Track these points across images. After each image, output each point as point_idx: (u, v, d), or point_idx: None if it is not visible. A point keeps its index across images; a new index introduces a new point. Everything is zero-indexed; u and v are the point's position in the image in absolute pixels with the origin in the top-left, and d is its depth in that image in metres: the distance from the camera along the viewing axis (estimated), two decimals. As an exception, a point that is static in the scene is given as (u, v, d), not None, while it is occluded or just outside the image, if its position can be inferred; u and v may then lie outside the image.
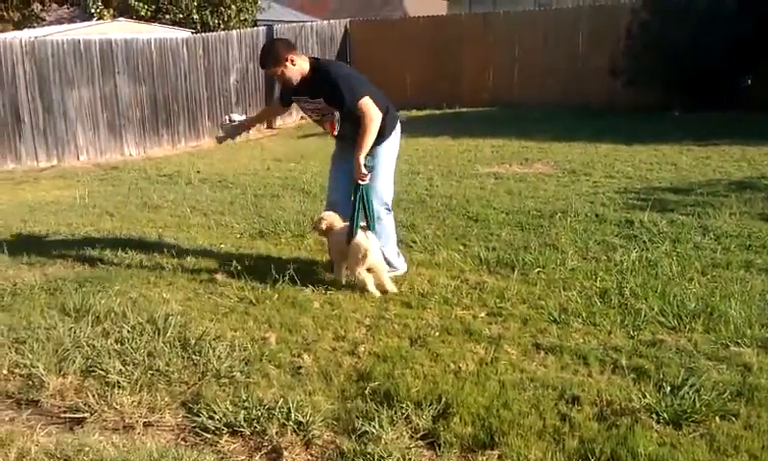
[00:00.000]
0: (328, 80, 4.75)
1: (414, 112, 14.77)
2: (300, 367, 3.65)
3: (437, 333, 4.02)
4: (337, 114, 4.82)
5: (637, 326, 4.03)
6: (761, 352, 3.66)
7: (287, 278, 4.84)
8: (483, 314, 4.33)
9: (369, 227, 4.71)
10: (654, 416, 3.06)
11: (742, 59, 12.96)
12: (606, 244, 5.66)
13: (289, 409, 3.14)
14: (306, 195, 8.14)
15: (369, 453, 2.82)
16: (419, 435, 3.00)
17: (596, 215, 6.59)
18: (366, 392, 3.34)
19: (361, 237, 4.66)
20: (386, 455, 2.81)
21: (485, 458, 2.83)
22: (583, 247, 5.60)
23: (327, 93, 4.74)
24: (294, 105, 5.18)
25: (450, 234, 6.14)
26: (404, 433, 3.00)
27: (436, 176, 8.95)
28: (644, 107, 13.67)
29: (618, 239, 5.78)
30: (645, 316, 4.13)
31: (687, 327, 4.00)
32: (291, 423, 3.08)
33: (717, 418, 3.04)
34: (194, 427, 3.16)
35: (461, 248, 5.71)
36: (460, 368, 3.60)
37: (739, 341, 3.79)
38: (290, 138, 14.35)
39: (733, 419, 3.04)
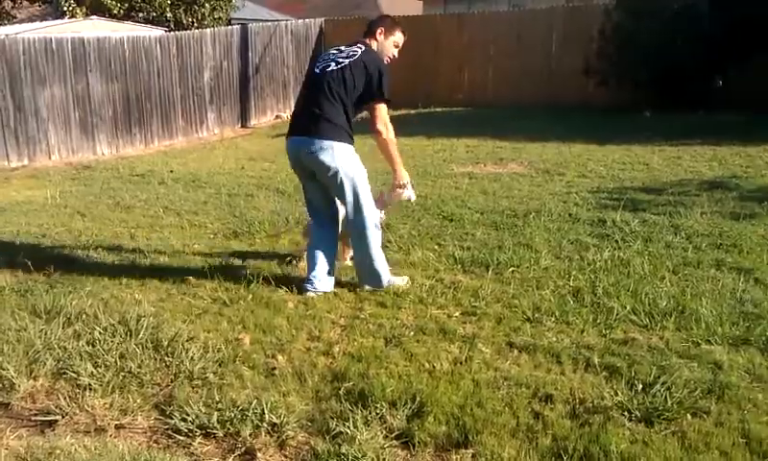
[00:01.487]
0: None
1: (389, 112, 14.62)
2: (274, 368, 3.64)
3: (411, 333, 4.02)
4: None
5: (610, 324, 4.07)
6: (732, 350, 3.71)
7: (261, 278, 4.81)
8: (457, 313, 4.34)
9: None
10: (626, 414, 3.09)
11: (713, 60, 13.11)
12: (579, 243, 5.70)
13: (263, 410, 3.12)
14: (281, 195, 8.10)
15: (343, 454, 2.82)
16: (393, 435, 2.99)
17: (569, 215, 6.64)
18: (340, 392, 3.34)
19: None
20: (360, 456, 2.80)
21: (459, 457, 2.84)
22: (556, 246, 5.64)
23: None
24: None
25: (425, 234, 6.15)
26: (378, 433, 2.99)
27: (411, 175, 8.93)
28: (617, 107, 13.79)
29: (591, 238, 5.83)
30: (617, 315, 4.17)
31: (659, 325, 4.04)
32: (265, 424, 3.07)
33: (688, 415, 3.07)
34: (166, 429, 3.13)
35: (436, 247, 5.72)
36: (434, 367, 3.60)
37: (710, 339, 3.84)
38: (265, 137, 14.27)
39: (704, 416, 3.08)
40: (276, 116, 17.05)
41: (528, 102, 15.39)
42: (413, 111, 15.80)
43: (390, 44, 4.77)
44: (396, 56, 4.85)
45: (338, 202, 4.79)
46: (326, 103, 4.49)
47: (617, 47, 13.97)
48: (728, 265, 5.06)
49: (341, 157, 4.48)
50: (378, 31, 4.73)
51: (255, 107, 16.68)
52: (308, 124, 4.54)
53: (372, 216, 4.66)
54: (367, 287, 4.73)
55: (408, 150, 10.88)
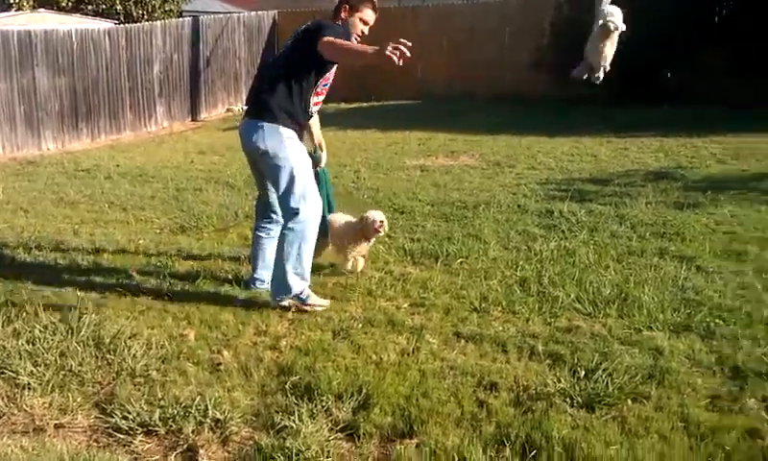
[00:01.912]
0: None
1: (342, 105, 14.70)
2: (219, 363, 3.61)
3: (360, 325, 4.02)
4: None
5: (555, 313, 4.13)
6: (672, 336, 3.79)
7: (208, 273, 4.75)
8: (406, 305, 4.36)
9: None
10: (568, 400, 3.14)
11: (662, 53, 13.36)
12: (527, 234, 5.77)
13: (206, 406, 3.09)
14: (231, 188, 8.01)
15: (287, 448, 2.80)
16: (338, 427, 2.99)
17: (518, 206, 6.71)
18: (286, 386, 3.32)
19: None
20: (304, 449, 2.79)
21: (404, 447, 2.84)
22: (504, 237, 5.69)
23: None
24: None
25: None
26: (324, 426, 2.99)
27: (363, 168, 8.94)
28: (568, 100, 13.94)
29: (539, 229, 5.90)
30: (562, 303, 4.23)
31: (602, 313, 4.11)
32: (208, 420, 3.04)
33: (629, 400, 3.13)
34: (107, 428, 3.08)
35: (386, 239, 5.69)
36: (382, 359, 3.61)
37: (652, 326, 3.92)
38: (215, 130, 14.09)
39: (644, 401, 3.14)
40: (228, 109, 16.85)
41: (480, 94, 15.48)
42: (366, 104, 15.78)
43: (356, 22, 4.32)
44: (366, 33, 4.37)
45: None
46: (265, 85, 4.28)
47: (568, 40, 14.10)
48: (671, 253, 5.16)
49: (271, 138, 4.16)
50: (343, 8, 4.31)
51: (206, 100, 16.46)
52: (248, 108, 4.43)
53: (310, 214, 4.19)
54: (279, 300, 4.29)
55: (360, 143, 10.88)
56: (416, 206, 6.85)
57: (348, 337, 3.87)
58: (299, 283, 4.25)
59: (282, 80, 4.21)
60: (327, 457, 2.79)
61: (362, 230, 4.83)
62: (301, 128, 4.42)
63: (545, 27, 14.57)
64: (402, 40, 3.61)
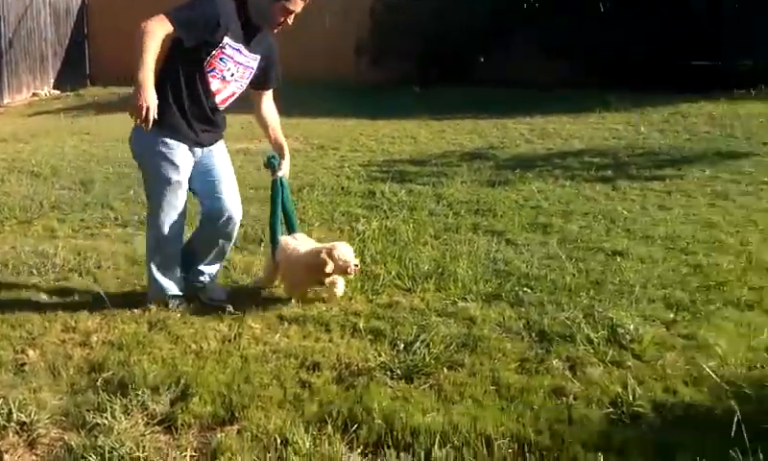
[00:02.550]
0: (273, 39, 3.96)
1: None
2: (23, 363, 3.36)
3: (178, 315, 3.89)
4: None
5: (376, 290, 4.21)
6: (485, 306, 4.00)
7: (9, 268, 4.40)
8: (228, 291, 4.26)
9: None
10: (388, 373, 3.21)
11: (476, 39, 14.02)
12: (350, 215, 5.86)
13: (10, 410, 2.87)
14: (36, 177, 7.41)
15: (99, 446, 2.65)
16: (155, 421, 2.87)
17: (342, 188, 6.80)
18: (98, 383, 3.14)
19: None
20: (118, 446, 2.65)
21: (224, 434, 2.78)
22: (329, 218, 5.76)
23: (270, 58, 4.03)
24: None
25: (196, 213, 5.93)
26: (140, 421, 2.86)
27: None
28: (388, 83, 14.27)
29: (362, 210, 6.02)
30: (383, 280, 4.33)
31: (421, 287, 4.25)
32: (12, 423, 2.83)
33: (445, 369, 3.25)
34: None
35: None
36: (202, 348, 3.52)
37: (466, 297, 4.11)
38: (19, 117, 13.06)
39: (459, 368, 3.28)
40: (33, 94, 15.73)
41: (304, 78, 15.39)
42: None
43: (276, 10, 3.73)
44: (290, 23, 3.81)
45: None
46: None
47: (387, 25, 14.46)
48: (483, 228, 5.44)
49: (135, 142, 3.88)
50: None
51: (9, 83, 15.21)
52: None
53: (155, 230, 3.93)
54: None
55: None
56: (239, 190, 6.70)
57: (166, 328, 3.73)
58: (154, 294, 4.03)
59: (165, 74, 3.72)
60: (143, 452, 2.67)
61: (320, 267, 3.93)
62: (205, 125, 4.09)
63: (366, 12, 14.79)
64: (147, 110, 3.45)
